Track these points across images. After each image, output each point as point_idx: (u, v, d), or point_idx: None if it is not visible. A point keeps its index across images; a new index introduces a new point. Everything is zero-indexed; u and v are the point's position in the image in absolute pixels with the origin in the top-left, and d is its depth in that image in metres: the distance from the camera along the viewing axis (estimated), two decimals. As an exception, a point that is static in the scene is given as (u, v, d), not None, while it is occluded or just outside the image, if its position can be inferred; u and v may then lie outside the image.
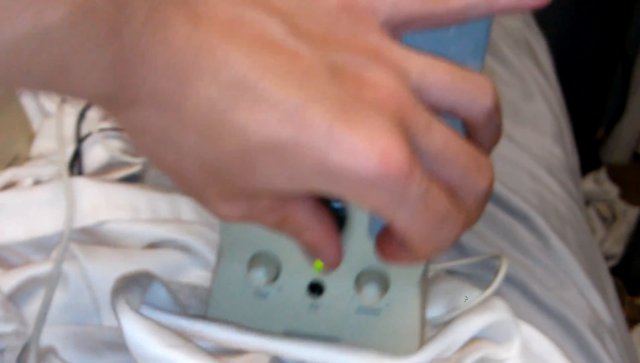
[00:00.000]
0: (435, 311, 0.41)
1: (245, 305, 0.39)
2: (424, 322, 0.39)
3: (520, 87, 0.69)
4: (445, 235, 0.28)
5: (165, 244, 0.44)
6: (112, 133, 0.53)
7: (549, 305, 0.44)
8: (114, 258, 0.40)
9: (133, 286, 0.37)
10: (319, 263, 0.36)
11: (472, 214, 0.29)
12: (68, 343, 0.38)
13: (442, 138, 0.27)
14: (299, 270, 0.38)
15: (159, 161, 0.27)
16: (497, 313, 0.38)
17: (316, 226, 0.30)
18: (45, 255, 0.43)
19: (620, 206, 1.56)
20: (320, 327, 0.39)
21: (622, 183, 1.61)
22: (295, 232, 0.30)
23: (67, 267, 0.40)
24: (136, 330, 0.34)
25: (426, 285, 0.40)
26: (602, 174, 1.62)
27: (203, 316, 0.39)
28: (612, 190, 1.60)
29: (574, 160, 0.69)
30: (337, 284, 0.38)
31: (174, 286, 0.40)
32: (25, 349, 0.36)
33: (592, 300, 0.48)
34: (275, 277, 0.38)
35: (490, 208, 0.52)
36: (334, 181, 0.25)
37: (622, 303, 1.27)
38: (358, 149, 0.24)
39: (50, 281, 0.39)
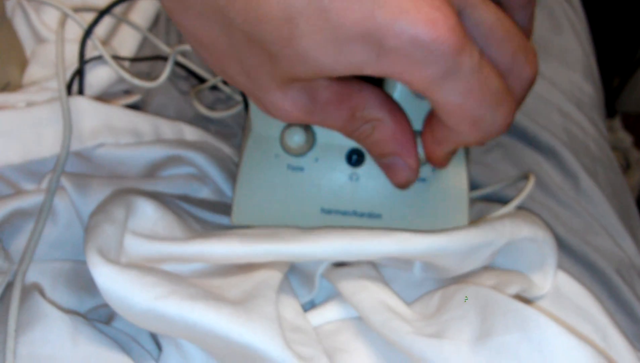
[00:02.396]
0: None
1: (278, 181, 0.36)
2: (469, 197, 0.37)
3: (549, 20, 0.65)
4: (500, 118, 0.27)
5: (167, 167, 0.41)
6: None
7: (575, 249, 0.42)
8: (106, 190, 0.37)
9: (106, 225, 0.32)
10: None
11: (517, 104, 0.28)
12: (58, 281, 0.35)
13: (494, 16, 0.26)
14: (336, 138, 0.35)
15: (208, 48, 0.27)
16: (538, 229, 0.36)
17: (390, 120, 0.29)
18: (37, 183, 0.39)
19: (635, 154, 1.55)
20: (361, 202, 0.36)
21: (637, 132, 1.59)
22: (366, 130, 0.29)
23: (57, 200, 0.37)
24: (114, 286, 0.29)
25: (469, 157, 0.39)
26: (617, 122, 1.60)
27: (206, 232, 0.36)
28: (626, 138, 1.58)
29: (602, 98, 0.65)
30: None
31: (178, 200, 0.37)
32: (9, 287, 0.33)
33: (622, 242, 0.45)
34: (311, 146, 0.35)
35: (515, 144, 0.49)
36: (380, 48, 0.24)
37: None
38: (406, 7, 0.23)
39: (41, 214, 0.35)
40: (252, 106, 0.35)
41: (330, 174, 0.36)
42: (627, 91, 1.66)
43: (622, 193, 0.53)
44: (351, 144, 0.36)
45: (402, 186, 0.33)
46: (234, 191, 0.36)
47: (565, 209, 0.45)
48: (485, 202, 0.41)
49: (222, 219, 0.38)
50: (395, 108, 0.30)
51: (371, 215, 0.36)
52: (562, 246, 0.42)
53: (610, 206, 0.47)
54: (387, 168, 0.32)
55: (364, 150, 0.36)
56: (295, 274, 0.36)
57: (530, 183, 0.40)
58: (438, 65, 0.24)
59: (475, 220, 0.37)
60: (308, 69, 0.25)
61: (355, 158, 0.36)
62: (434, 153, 0.31)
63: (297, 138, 0.34)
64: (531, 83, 0.28)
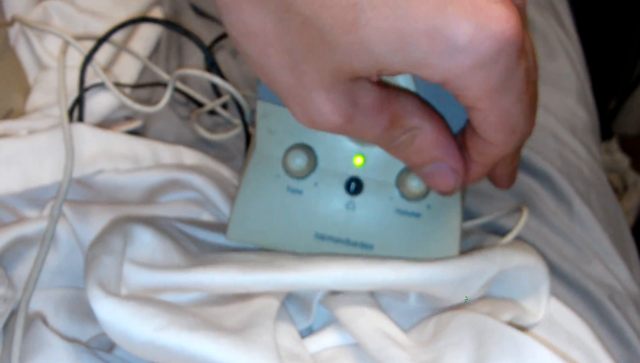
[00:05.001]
0: None
1: (276, 201, 0.36)
2: (461, 233, 0.37)
3: (543, 46, 0.66)
4: (531, 123, 0.27)
5: (166, 192, 0.41)
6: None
7: (568, 276, 0.42)
8: (107, 216, 0.37)
9: (104, 257, 0.33)
10: (358, 158, 0.36)
11: None
12: (61, 309, 0.36)
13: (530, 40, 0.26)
14: (337, 165, 0.36)
15: (256, 38, 0.26)
16: (531, 257, 0.36)
17: (430, 126, 0.28)
18: (39, 210, 0.40)
19: (632, 176, 1.54)
20: (355, 231, 0.36)
21: (634, 154, 1.59)
22: (404, 139, 0.28)
23: (59, 227, 0.37)
24: (114, 319, 0.30)
25: (465, 195, 0.39)
26: (614, 144, 1.60)
27: (204, 255, 0.36)
28: (623, 160, 1.58)
29: (596, 123, 0.66)
30: (377, 181, 0.36)
31: (174, 221, 0.38)
32: (13, 315, 0.34)
33: (615, 268, 0.45)
34: (312, 171, 0.36)
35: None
36: (446, 46, 0.22)
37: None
38: (479, 3, 0.22)
39: (43, 242, 0.36)
40: (259, 125, 0.36)
41: (327, 200, 0.36)
42: (624, 113, 1.66)
43: (616, 217, 0.54)
44: (351, 172, 0.36)
45: (449, 192, 0.31)
46: (232, 207, 0.37)
47: (559, 236, 0.45)
48: (480, 233, 0.41)
49: (218, 239, 0.39)
50: (433, 114, 0.29)
51: (363, 245, 0.36)
52: (556, 273, 0.42)
53: (603, 232, 0.47)
54: (431, 177, 0.30)
55: (363, 179, 0.36)
56: (292, 301, 0.36)
57: (524, 217, 0.40)
58: (503, 63, 0.23)
59: (467, 251, 0.37)
60: (365, 61, 0.24)
61: (353, 187, 0.36)
62: (471, 175, 0.30)
63: (299, 160, 0.35)
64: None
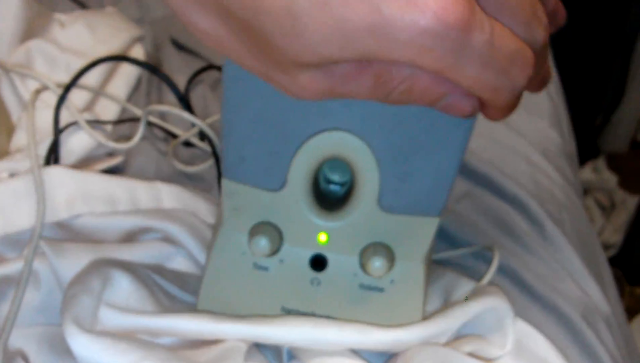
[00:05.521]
0: (431, 307, 0.40)
1: (243, 278, 0.37)
2: (425, 302, 0.38)
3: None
4: (518, 75, 0.25)
5: (143, 234, 0.42)
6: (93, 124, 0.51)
7: (542, 295, 0.43)
8: (85, 254, 0.38)
9: (82, 296, 0.34)
10: (322, 236, 0.36)
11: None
12: (42, 346, 0.36)
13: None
14: (302, 242, 0.36)
15: (211, 36, 0.26)
16: (493, 299, 0.37)
17: (423, 72, 0.26)
18: (19, 252, 0.41)
19: (619, 194, 1.54)
20: (320, 305, 0.37)
21: (621, 171, 1.59)
22: (402, 89, 0.27)
23: (39, 266, 0.38)
24: (90, 354, 0.31)
25: (430, 262, 0.39)
26: (601, 162, 1.61)
27: (175, 309, 0.37)
28: (610, 179, 1.58)
29: (572, 146, 0.67)
30: (341, 258, 0.36)
31: (152, 272, 0.39)
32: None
33: (587, 288, 0.46)
34: (277, 249, 0.36)
35: (483, 194, 0.51)
36: (388, 40, 0.23)
37: (622, 293, 1.25)
38: None
39: (21, 281, 0.37)
40: (224, 203, 0.36)
41: (293, 277, 0.37)
42: (611, 130, 1.67)
43: (588, 238, 0.55)
44: (316, 249, 0.37)
45: (471, 115, 0.29)
46: (201, 281, 0.38)
47: (532, 256, 0.47)
48: (451, 275, 0.42)
49: (190, 298, 0.40)
50: None
51: (328, 318, 0.37)
52: (530, 292, 0.43)
53: (575, 253, 0.48)
54: (448, 109, 0.28)
55: (327, 256, 0.37)
56: (264, 346, 0.37)
57: (495, 261, 0.42)
58: (448, 47, 0.23)
59: (429, 315, 0.38)
60: (316, 58, 0.24)
61: (318, 264, 0.37)
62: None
63: (263, 242, 0.35)
64: (544, 46, 0.27)
